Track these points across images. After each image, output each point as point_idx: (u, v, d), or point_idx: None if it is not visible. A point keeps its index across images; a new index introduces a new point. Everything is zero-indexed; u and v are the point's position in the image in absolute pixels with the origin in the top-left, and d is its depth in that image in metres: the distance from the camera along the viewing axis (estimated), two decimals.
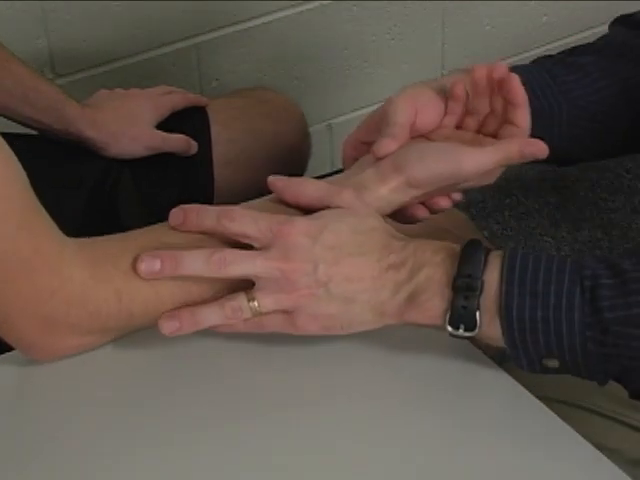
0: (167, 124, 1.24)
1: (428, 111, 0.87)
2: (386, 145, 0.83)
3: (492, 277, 0.72)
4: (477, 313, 0.72)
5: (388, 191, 0.82)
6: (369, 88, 1.91)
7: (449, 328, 0.73)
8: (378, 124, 0.87)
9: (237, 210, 0.77)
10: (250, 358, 0.79)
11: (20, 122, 1.19)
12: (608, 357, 0.71)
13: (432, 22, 1.89)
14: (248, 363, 0.78)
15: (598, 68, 0.93)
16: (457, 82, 0.87)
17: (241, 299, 0.75)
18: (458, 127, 0.89)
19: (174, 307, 0.76)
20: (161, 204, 1.21)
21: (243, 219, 0.76)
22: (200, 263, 0.74)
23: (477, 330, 0.72)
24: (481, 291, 0.71)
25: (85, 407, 0.75)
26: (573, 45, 1.00)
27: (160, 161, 1.22)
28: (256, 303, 0.75)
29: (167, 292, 0.76)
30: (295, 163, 1.33)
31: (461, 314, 0.72)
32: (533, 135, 0.87)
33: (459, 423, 0.73)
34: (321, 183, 0.81)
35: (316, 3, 1.76)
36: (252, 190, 1.23)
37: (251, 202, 0.83)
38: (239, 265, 0.74)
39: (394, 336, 0.76)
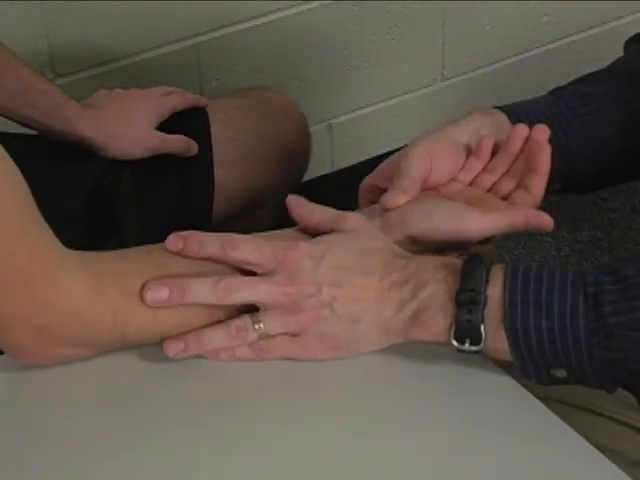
0: (167, 124, 1.24)
1: (443, 166, 0.88)
2: (395, 198, 0.84)
3: (495, 290, 0.72)
4: (482, 326, 0.72)
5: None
6: (369, 88, 1.91)
7: (455, 343, 0.73)
8: (392, 173, 0.87)
9: (239, 238, 0.77)
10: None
11: (20, 122, 1.19)
12: (614, 362, 0.71)
13: (432, 22, 1.89)
14: (247, 362, 0.78)
15: (614, 97, 0.93)
16: (487, 138, 0.88)
17: (246, 320, 0.75)
18: (470, 182, 0.90)
19: (170, 331, 0.76)
20: (161, 205, 1.21)
21: (246, 246, 0.76)
22: (207, 291, 0.74)
23: (483, 343, 0.72)
24: (484, 304, 0.72)
25: (85, 407, 0.75)
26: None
27: (160, 162, 1.22)
28: (262, 325, 0.75)
29: (165, 316, 0.76)
30: (295, 163, 1.33)
31: (466, 328, 0.72)
32: (553, 166, 0.87)
33: (460, 424, 0.73)
34: (329, 209, 0.82)
35: (316, 3, 1.76)
36: (252, 190, 1.23)
37: (276, 232, 0.83)
38: (245, 292, 0.75)
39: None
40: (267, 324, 0.75)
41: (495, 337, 0.72)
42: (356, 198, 0.91)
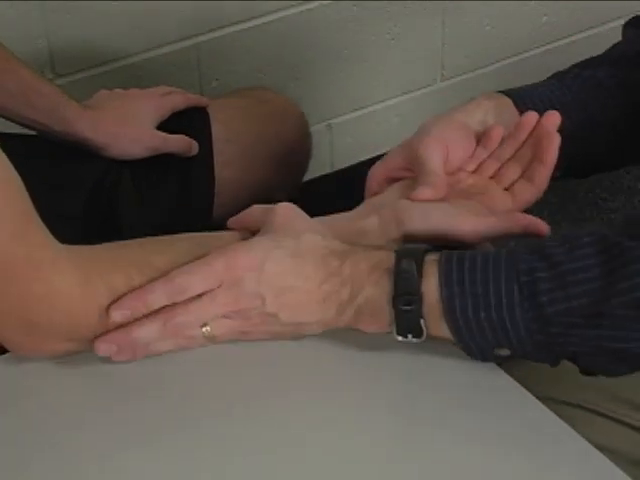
0: (167, 124, 1.24)
1: (456, 153, 0.89)
2: (427, 194, 0.84)
3: (430, 286, 0.73)
4: (422, 321, 0.73)
5: (386, 241, 0.83)
6: (369, 88, 1.91)
7: (398, 337, 0.74)
8: (406, 161, 0.88)
9: (181, 277, 0.76)
10: (249, 358, 0.79)
11: (20, 123, 1.19)
12: (556, 345, 0.72)
13: (432, 22, 1.89)
14: (247, 363, 0.78)
15: (615, 82, 0.93)
16: (497, 129, 0.89)
17: (193, 325, 0.77)
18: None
19: None
20: (161, 205, 1.21)
21: (192, 283, 0.76)
22: (155, 334, 0.76)
23: (425, 335, 0.74)
24: (421, 302, 0.73)
25: (84, 406, 0.75)
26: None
27: (160, 162, 1.22)
28: (209, 329, 0.77)
29: None
30: (295, 163, 1.33)
31: (407, 324, 0.74)
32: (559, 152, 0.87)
33: (459, 424, 0.73)
34: (257, 206, 0.83)
35: (316, 3, 1.76)
36: (252, 190, 1.23)
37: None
38: (194, 322, 0.77)
39: (391, 336, 0.76)
40: (215, 330, 0.77)
41: (437, 328, 0.73)
42: (356, 198, 0.91)
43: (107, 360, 0.77)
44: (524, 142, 0.89)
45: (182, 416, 0.74)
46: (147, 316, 0.76)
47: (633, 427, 0.90)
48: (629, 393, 0.89)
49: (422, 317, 0.73)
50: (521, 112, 0.91)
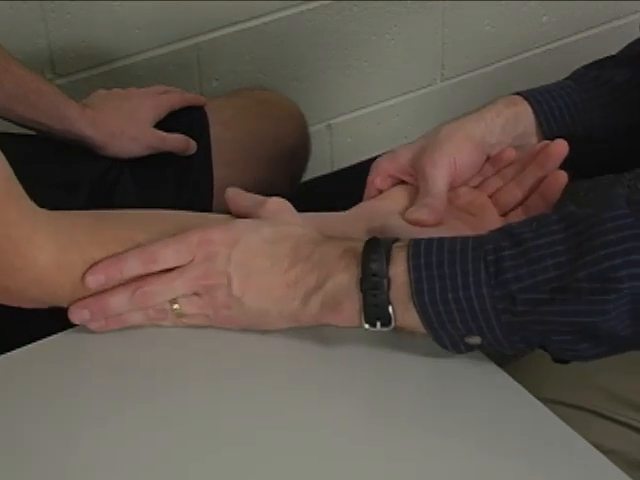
0: (166, 124, 1.24)
1: (465, 171, 0.88)
2: (423, 217, 0.84)
3: (398, 270, 0.72)
4: (390, 307, 0.73)
5: None
6: (369, 88, 1.91)
7: (366, 326, 0.74)
8: (412, 168, 0.87)
9: (155, 248, 0.78)
10: (249, 356, 0.79)
11: (19, 124, 1.19)
12: (523, 326, 0.71)
13: (432, 22, 1.89)
14: (246, 362, 0.78)
15: (636, 84, 0.92)
16: (508, 152, 0.89)
17: (165, 304, 0.78)
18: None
19: None
20: (160, 204, 1.21)
21: (165, 255, 0.77)
22: (125, 303, 0.78)
23: (394, 323, 0.73)
24: (389, 286, 0.72)
25: (84, 404, 0.75)
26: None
27: (159, 161, 1.22)
28: (178, 306, 0.78)
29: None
30: (295, 163, 1.33)
31: (374, 311, 0.73)
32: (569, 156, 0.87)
33: (458, 423, 0.73)
34: (251, 195, 0.83)
35: (316, 3, 1.76)
36: (251, 190, 1.23)
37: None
38: (162, 293, 0.78)
39: (391, 336, 0.76)
40: (183, 307, 0.78)
41: (405, 315, 0.73)
42: (356, 198, 0.91)
43: (105, 357, 0.78)
44: (531, 161, 0.88)
45: (181, 416, 0.74)
46: (120, 285, 0.77)
47: (634, 428, 0.90)
48: (629, 394, 0.89)
49: (390, 303, 0.73)
50: (539, 120, 0.90)
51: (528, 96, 0.91)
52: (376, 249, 0.73)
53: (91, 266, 0.77)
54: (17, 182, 0.75)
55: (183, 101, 1.28)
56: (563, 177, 0.86)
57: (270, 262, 0.76)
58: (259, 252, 0.76)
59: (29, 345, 0.80)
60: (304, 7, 1.75)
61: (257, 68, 1.75)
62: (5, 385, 0.78)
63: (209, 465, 0.70)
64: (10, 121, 1.19)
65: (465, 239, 0.73)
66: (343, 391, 0.76)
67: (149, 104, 1.24)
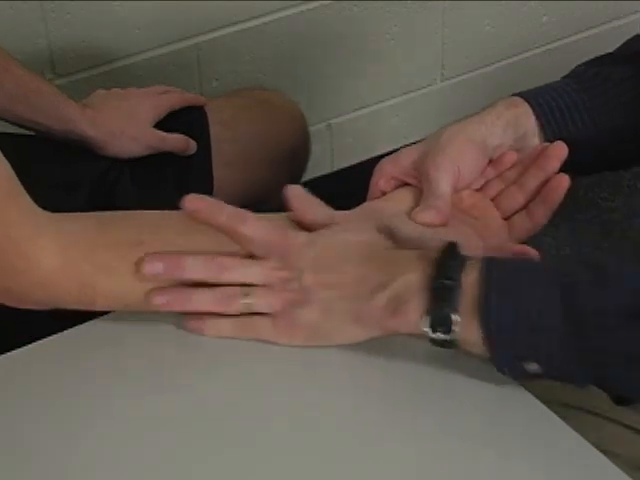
0: (166, 124, 1.24)
1: (468, 173, 0.88)
2: (430, 217, 0.84)
3: (471, 278, 0.72)
4: (455, 315, 0.72)
5: None
6: (369, 88, 1.91)
7: (425, 329, 0.72)
8: (416, 171, 0.87)
9: (251, 215, 0.79)
10: (248, 356, 0.79)
11: (19, 124, 1.19)
12: (585, 352, 0.70)
13: (432, 22, 1.89)
14: (246, 362, 0.78)
15: (637, 82, 0.92)
16: (510, 155, 0.88)
17: (235, 289, 0.77)
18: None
19: (139, 301, 0.78)
20: (160, 203, 1.21)
21: (255, 225, 0.78)
22: (200, 267, 0.77)
23: (454, 333, 0.72)
24: (459, 293, 0.71)
25: (84, 404, 0.75)
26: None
27: (159, 161, 1.22)
28: (249, 300, 0.77)
29: (135, 288, 0.78)
30: (295, 163, 1.33)
31: (439, 316, 0.72)
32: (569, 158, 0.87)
33: (457, 423, 0.73)
34: (324, 208, 0.83)
35: (316, 3, 1.76)
36: (251, 190, 1.23)
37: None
38: (238, 271, 0.77)
39: (391, 339, 0.76)
40: (254, 299, 0.77)
41: (468, 327, 0.72)
42: (356, 198, 0.91)
43: (105, 356, 0.78)
44: (531, 164, 0.88)
45: (181, 415, 0.74)
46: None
47: (636, 430, 0.89)
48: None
49: (457, 311, 0.71)
50: (540, 122, 0.89)
51: (528, 97, 0.90)
52: (455, 255, 0.73)
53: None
54: (18, 182, 0.75)
55: (183, 101, 1.28)
56: (565, 181, 0.86)
57: (344, 257, 0.76)
58: (335, 250, 0.77)
59: (29, 345, 0.80)
60: (304, 7, 1.75)
61: (257, 68, 1.75)
62: (5, 385, 0.78)
63: (211, 465, 0.70)
64: (9, 121, 1.19)
65: (540, 262, 0.73)
66: (339, 394, 0.76)
67: (149, 104, 1.24)
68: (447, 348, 0.73)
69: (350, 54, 1.84)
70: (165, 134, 1.23)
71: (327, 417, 0.74)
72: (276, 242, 0.77)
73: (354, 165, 1.94)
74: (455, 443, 0.71)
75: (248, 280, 0.77)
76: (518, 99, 0.91)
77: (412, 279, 0.73)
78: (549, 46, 2.03)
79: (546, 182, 0.87)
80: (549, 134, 0.90)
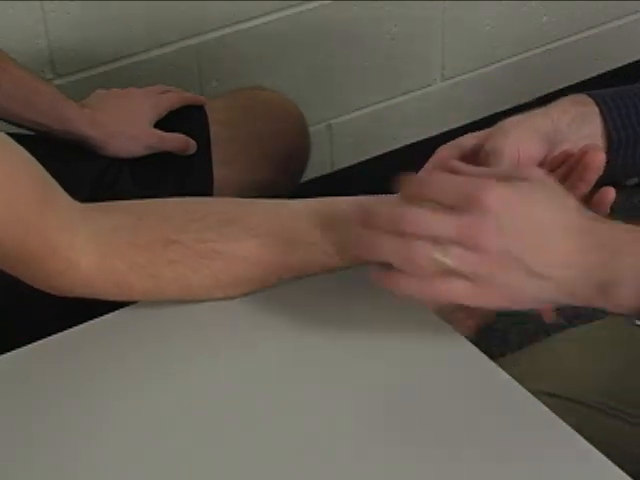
0: (166, 124, 1.24)
1: (525, 161, 0.85)
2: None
3: None
4: None
5: None
6: (369, 88, 1.91)
7: (638, 323, 0.71)
8: (476, 149, 0.85)
9: (436, 175, 0.76)
10: (249, 356, 0.79)
11: (18, 124, 1.19)
12: None
13: (432, 22, 1.89)
14: (246, 362, 0.78)
15: None
16: (565, 155, 0.86)
17: (431, 247, 0.71)
18: None
19: (173, 295, 0.81)
20: None
21: (443, 184, 0.73)
22: (386, 210, 0.72)
23: None
24: None
25: (84, 404, 0.75)
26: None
27: (159, 160, 1.22)
28: (447, 259, 0.70)
29: (169, 285, 0.80)
30: (294, 163, 1.33)
31: None
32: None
33: (456, 422, 0.73)
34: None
35: (316, 3, 1.76)
36: (251, 190, 1.23)
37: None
38: (426, 221, 0.71)
39: (388, 335, 0.76)
40: (449, 255, 0.70)
41: None
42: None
43: (106, 355, 0.78)
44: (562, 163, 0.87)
45: (181, 415, 0.74)
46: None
47: (632, 424, 0.89)
48: (630, 392, 0.89)
49: None
50: (606, 123, 0.88)
51: (596, 97, 0.89)
52: None
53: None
54: (53, 184, 0.77)
55: (183, 101, 1.28)
56: (611, 194, 0.85)
57: (557, 225, 0.71)
58: (539, 215, 0.72)
59: (29, 345, 0.80)
60: (304, 7, 1.75)
61: (257, 68, 1.75)
62: (5, 385, 0.78)
63: (211, 465, 0.70)
64: (8, 121, 1.19)
65: None
66: (338, 387, 0.76)
67: (149, 104, 1.25)
68: None
69: (350, 54, 1.84)
70: (165, 134, 1.23)
71: (327, 417, 0.74)
72: (471, 194, 0.70)
73: (354, 165, 1.94)
74: (452, 441, 0.71)
75: (444, 235, 0.70)
76: (586, 98, 0.89)
77: (632, 265, 0.69)
78: (549, 46, 2.03)
79: (592, 195, 0.85)
80: (615, 138, 0.88)
